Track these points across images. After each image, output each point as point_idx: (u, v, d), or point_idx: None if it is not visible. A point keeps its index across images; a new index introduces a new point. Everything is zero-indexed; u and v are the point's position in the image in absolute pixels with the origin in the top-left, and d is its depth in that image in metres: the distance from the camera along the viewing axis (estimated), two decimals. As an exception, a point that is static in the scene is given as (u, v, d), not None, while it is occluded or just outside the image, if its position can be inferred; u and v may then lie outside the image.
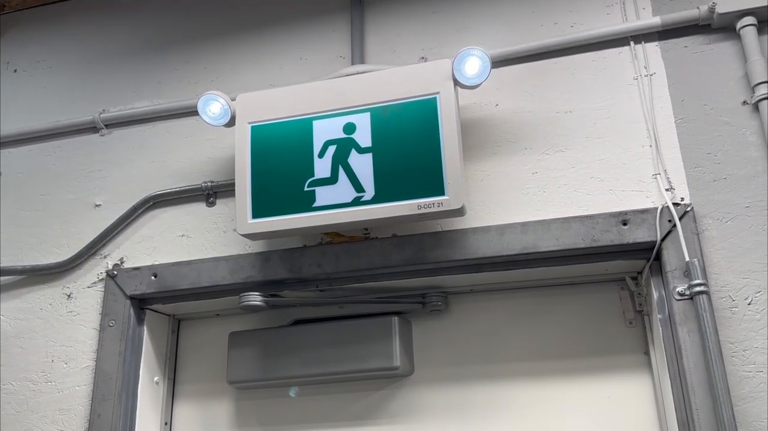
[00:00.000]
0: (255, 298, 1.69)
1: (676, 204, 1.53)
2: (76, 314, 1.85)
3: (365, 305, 1.77)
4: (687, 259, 1.47)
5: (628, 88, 1.67)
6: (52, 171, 2.03)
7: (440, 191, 1.51)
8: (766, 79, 1.53)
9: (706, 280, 1.45)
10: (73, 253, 1.89)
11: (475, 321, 1.76)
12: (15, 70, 2.21)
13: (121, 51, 2.12)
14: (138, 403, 1.77)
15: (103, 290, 1.84)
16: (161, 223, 1.88)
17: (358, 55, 1.86)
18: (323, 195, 1.58)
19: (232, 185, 1.67)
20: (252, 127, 1.65)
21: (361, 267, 1.67)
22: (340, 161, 1.59)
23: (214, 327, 1.94)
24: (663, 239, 1.51)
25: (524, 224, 1.60)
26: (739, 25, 1.61)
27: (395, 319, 1.69)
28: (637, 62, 1.68)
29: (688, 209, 1.52)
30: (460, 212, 1.51)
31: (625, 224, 1.54)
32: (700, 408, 1.39)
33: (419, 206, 1.51)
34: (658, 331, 1.54)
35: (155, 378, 1.85)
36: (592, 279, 1.71)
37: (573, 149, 1.66)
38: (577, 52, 1.73)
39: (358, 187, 1.56)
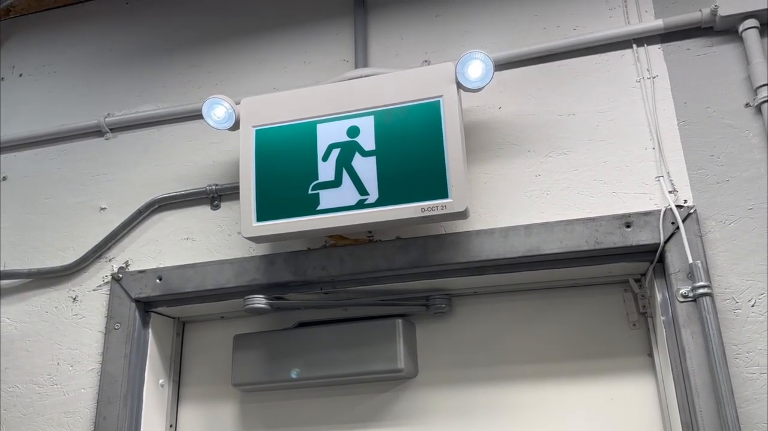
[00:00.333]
0: (259, 301, 1.70)
1: (679, 206, 1.53)
2: (81, 317, 1.86)
3: (369, 307, 1.77)
4: (690, 261, 1.47)
5: (631, 91, 1.67)
6: (57, 175, 2.04)
7: (444, 194, 1.51)
8: (768, 82, 1.54)
9: (710, 282, 1.45)
10: (79, 256, 1.89)
11: (478, 324, 1.77)
12: (20, 75, 2.22)
13: (126, 55, 2.13)
14: (143, 406, 1.77)
15: (108, 293, 1.85)
16: (166, 226, 1.89)
17: (362, 59, 1.87)
18: (327, 198, 1.58)
19: (237, 188, 1.67)
20: (256, 130, 1.66)
21: (365, 270, 1.68)
22: (343, 164, 1.59)
23: (218, 329, 1.94)
24: (666, 242, 1.51)
25: (528, 227, 1.60)
26: (741, 27, 1.61)
27: (399, 321, 1.69)
28: (639, 65, 1.68)
29: (691, 211, 1.52)
30: (463, 214, 1.52)
31: (628, 226, 1.55)
32: (703, 409, 1.39)
33: (423, 209, 1.52)
34: (661, 333, 1.54)
35: (160, 381, 1.86)
36: (596, 281, 1.71)
37: (576, 151, 1.66)
38: (579, 55, 1.73)
39: (362, 190, 1.57)
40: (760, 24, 1.60)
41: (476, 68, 1.57)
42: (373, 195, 1.56)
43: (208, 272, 1.78)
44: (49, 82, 2.18)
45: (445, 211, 1.51)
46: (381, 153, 1.58)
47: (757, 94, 1.56)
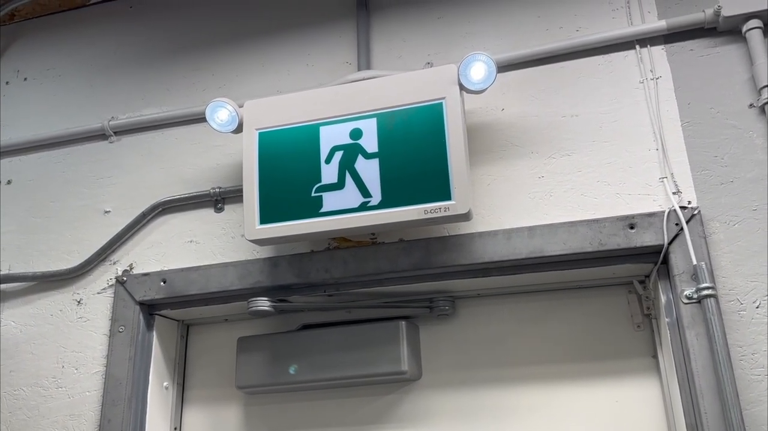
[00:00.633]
0: (263, 303, 1.70)
1: (683, 207, 1.53)
2: (86, 320, 1.87)
3: (373, 309, 1.77)
4: (694, 262, 1.47)
5: (634, 92, 1.67)
6: (61, 178, 2.05)
7: (447, 196, 1.51)
8: (772, 82, 1.54)
9: (714, 283, 1.45)
10: (83, 259, 1.90)
11: (482, 325, 1.77)
12: (25, 78, 2.23)
13: (130, 59, 2.13)
14: (148, 408, 1.78)
15: (112, 296, 1.86)
16: (170, 229, 1.89)
17: (364, 61, 1.87)
18: (330, 201, 1.58)
19: (240, 191, 1.68)
20: (259, 133, 1.66)
21: (368, 272, 1.68)
22: (346, 166, 1.59)
23: (222, 332, 1.94)
24: (670, 243, 1.51)
25: (531, 229, 1.60)
26: (744, 28, 1.60)
27: (403, 323, 1.69)
28: (642, 66, 1.68)
29: (695, 212, 1.52)
30: (466, 216, 1.52)
31: (632, 227, 1.54)
32: (708, 412, 1.39)
33: (426, 211, 1.52)
34: (666, 335, 1.53)
35: (165, 383, 1.86)
36: (600, 283, 1.70)
37: (579, 152, 1.66)
38: (582, 56, 1.73)
39: (365, 192, 1.57)
40: (764, 24, 1.60)
41: (479, 70, 1.57)
42: (376, 197, 1.56)
43: (212, 274, 1.78)
44: (53, 86, 2.19)
45: (448, 213, 1.51)
46: (384, 155, 1.58)
47: (760, 95, 1.55)
